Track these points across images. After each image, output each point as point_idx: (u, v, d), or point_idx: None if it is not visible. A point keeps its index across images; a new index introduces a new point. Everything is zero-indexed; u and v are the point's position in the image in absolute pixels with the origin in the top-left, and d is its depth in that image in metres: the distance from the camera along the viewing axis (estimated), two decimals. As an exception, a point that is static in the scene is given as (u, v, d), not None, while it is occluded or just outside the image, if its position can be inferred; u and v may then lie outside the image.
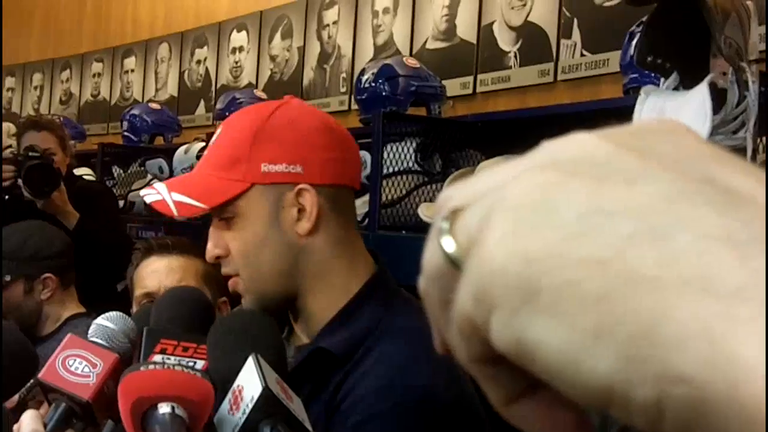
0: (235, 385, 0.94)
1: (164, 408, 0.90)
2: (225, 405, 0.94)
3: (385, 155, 2.77)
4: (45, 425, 1.05)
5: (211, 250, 1.36)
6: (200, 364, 1.05)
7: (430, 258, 0.36)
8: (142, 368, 0.95)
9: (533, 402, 0.35)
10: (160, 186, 1.39)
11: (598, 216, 0.31)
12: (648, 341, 0.28)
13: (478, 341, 0.33)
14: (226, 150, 1.36)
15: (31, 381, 1.17)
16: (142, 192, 1.43)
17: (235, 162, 1.34)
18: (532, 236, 0.32)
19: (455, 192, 0.36)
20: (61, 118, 5.04)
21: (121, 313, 1.14)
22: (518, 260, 0.31)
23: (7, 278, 2.78)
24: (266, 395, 0.91)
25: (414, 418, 1.26)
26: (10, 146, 4.21)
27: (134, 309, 2.08)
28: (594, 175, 0.32)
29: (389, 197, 2.74)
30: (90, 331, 1.11)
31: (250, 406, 0.91)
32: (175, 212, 1.34)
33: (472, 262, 0.33)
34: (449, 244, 0.35)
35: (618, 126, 0.36)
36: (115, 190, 4.21)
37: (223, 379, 0.97)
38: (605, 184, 0.32)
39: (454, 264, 0.34)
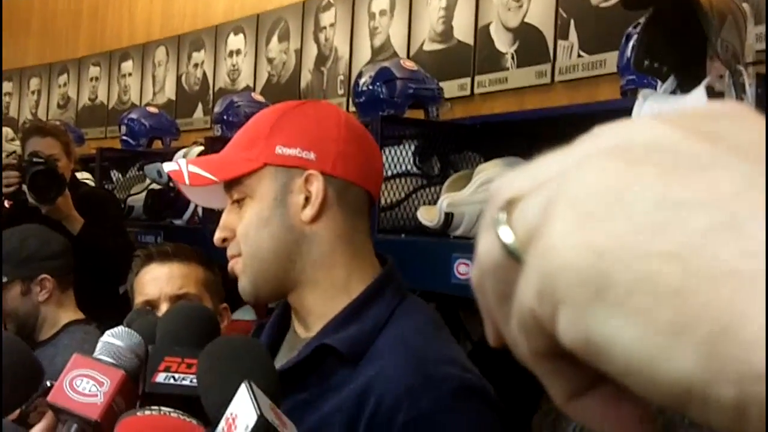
0: (228, 412, 0.93)
1: None
2: None
3: (384, 158, 2.77)
4: None
5: (218, 232, 1.39)
6: None
7: (486, 250, 0.35)
8: (138, 413, 0.95)
9: (596, 397, 0.34)
10: (180, 160, 1.43)
11: (671, 207, 0.30)
12: (728, 338, 0.27)
13: (542, 336, 0.32)
14: (249, 132, 1.41)
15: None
16: (164, 164, 1.48)
17: (253, 142, 1.37)
18: (601, 228, 0.30)
19: (509, 181, 0.35)
20: (65, 124, 5.03)
21: (127, 329, 1.14)
22: (587, 254, 0.30)
23: (4, 280, 2.78)
24: (261, 423, 0.90)
25: (460, 399, 1.25)
26: (14, 152, 4.21)
27: (134, 316, 2.08)
28: (664, 163, 0.31)
29: (388, 200, 2.74)
30: (97, 349, 1.12)
31: None
32: (187, 181, 1.37)
33: (534, 255, 0.32)
34: (507, 236, 0.33)
35: (677, 111, 0.34)
36: (113, 195, 4.20)
37: (215, 406, 0.96)
38: (676, 172, 0.31)
39: (512, 256, 0.33)
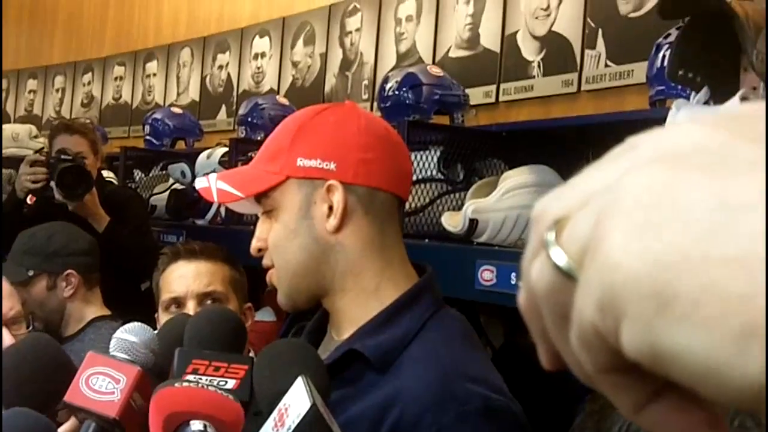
0: (282, 403, 0.94)
1: (197, 425, 0.91)
2: (269, 422, 0.94)
3: (409, 163, 2.76)
4: None
5: (254, 242, 1.41)
6: (231, 383, 1.06)
7: (539, 274, 0.34)
8: (176, 384, 0.95)
9: (664, 405, 0.34)
10: (212, 176, 1.45)
11: (728, 211, 0.29)
12: None
13: (605, 351, 0.32)
14: (272, 144, 1.42)
15: None
16: (196, 182, 1.51)
17: (276, 155, 1.39)
18: (660, 238, 0.30)
19: (552, 202, 0.35)
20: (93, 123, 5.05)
21: (141, 324, 1.14)
22: (649, 266, 0.30)
23: (30, 273, 2.81)
24: (314, 412, 0.91)
25: (483, 420, 1.25)
26: (42, 148, 4.22)
27: (159, 314, 2.09)
28: (713, 167, 0.31)
29: (412, 206, 2.74)
30: (111, 346, 1.11)
31: (296, 422, 0.91)
32: (215, 198, 1.40)
33: (592, 270, 0.32)
34: (560, 257, 0.33)
35: (717, 114, 0.34)
36: (136, 194, 4.21)
37: (269, 399, 0.97)
38: (727, 175, 0.30)
39: (566, 275, 0.33)
